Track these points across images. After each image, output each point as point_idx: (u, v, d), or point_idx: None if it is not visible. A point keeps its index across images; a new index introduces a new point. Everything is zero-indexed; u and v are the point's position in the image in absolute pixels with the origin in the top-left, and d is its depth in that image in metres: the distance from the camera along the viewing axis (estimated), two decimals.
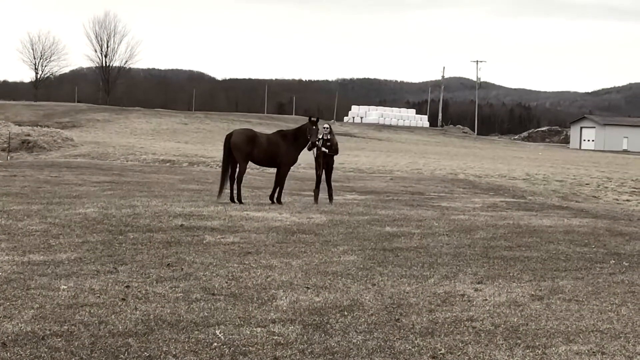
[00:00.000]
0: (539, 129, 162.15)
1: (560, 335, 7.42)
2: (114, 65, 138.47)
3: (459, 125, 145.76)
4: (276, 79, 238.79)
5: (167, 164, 40.65)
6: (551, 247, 12.54)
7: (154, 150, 49.91)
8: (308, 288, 9.05)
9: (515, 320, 7.92)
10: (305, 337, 7.12)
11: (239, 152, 17.63)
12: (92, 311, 7.68)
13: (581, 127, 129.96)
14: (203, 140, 71.27)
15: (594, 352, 6.95)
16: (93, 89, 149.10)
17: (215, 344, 6.84)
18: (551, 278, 10.11)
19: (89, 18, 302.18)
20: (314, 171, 19.39)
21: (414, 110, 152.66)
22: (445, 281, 9.71)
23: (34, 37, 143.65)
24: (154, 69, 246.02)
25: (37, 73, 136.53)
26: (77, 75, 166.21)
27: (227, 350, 6.68)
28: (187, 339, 6.92)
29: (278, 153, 17.89)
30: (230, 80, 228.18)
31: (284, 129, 19.64)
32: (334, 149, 18.57)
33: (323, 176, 18.65)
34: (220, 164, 23.62)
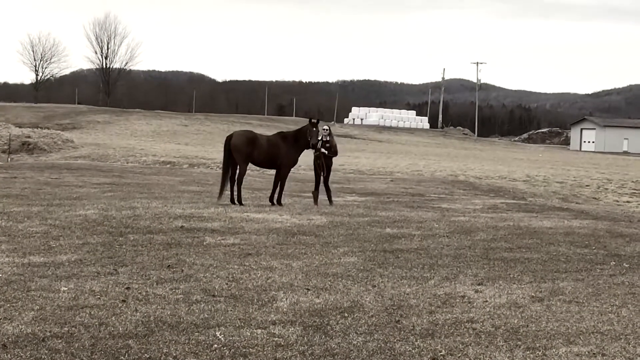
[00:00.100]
0: (539, 131, 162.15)
1: (560, 337, 7.42)
2: (114, 67, 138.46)
3: (459, 127, 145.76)
4: (276, 81, 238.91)
5: (168, 166, 40.66)
6: (551, 249, 12.53)
7: (154, 151, 49.93)
8: (308, 289, 9.05)
9: (516, 321, 7.92)
10: (305, 338, 7.12)
11: (239, 153, 17.62)
12: (92, 313, 7.68)
13: (581, 129, 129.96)
14: (203, 141, 71.29)
15: (594, 353, 6.95)
16: (93, 90, 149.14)
17: (216, 345, 6.83)
18: (551, 279, 10.11)
19: (89, 20, 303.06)
20: (314, 173, 19.39)
21: (414, 112, 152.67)
22: (446, 283, 9.70)
23: (34, 39, 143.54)
24: (154, 70, 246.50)
25: (37, 75, 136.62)
26: (77, 77, 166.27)
27: (228, 352, 6.68)
28: (187, 341, 6.92)
29: (278, 155, 17.89)
30: (231, 81, 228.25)
31: (284, 130, 19.65)
32: (333, 151, 18.62)
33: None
34: (221, 165, 23.65)
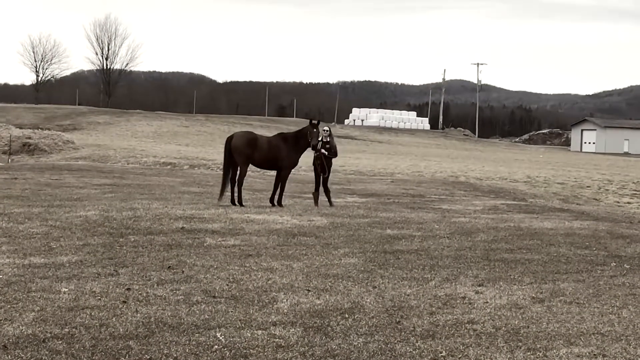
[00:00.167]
0: (540, 132, 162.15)
1: (561, 338, 7.42)
2: (115, 67, 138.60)
3: (460, 128, 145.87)
4: (277, 82, 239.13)
5: (168, 167, 40.66)
6: (552, 250, 12.53)
7: (154, 152, 49.93)
8: (309, 291, 9.05)
9: (516, 322, 7.92)
10: (306, 339, 7.12)
11: (240, 154, 17.62)
12: (93, 314, 7.68)
13: (582, 130, 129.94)
14: (204, 142, 71.32)
15: (595, 354, 6.94)
16: (94, 91, 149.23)
17: (216, 346, 6.83)
18: (552, 280, 10.10)
19: (89, 21, 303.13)
20: (314, 174, 19.42)
21: (414, 113, 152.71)
22: (446, 284, 9.70)
23: (34, 40, 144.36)
24: (154, 71, 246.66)
25: (38, 76, 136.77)
26: (78, 78, 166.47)
27: (228, 353, 6.68)
28: (187, 342, 6.92)
29: (279, 156, 17.89)
30: (231, 82, 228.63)
31: (284, 131, 19.66)
32: (332, 152, 18.66)
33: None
34: (221, 166, 23.66)
